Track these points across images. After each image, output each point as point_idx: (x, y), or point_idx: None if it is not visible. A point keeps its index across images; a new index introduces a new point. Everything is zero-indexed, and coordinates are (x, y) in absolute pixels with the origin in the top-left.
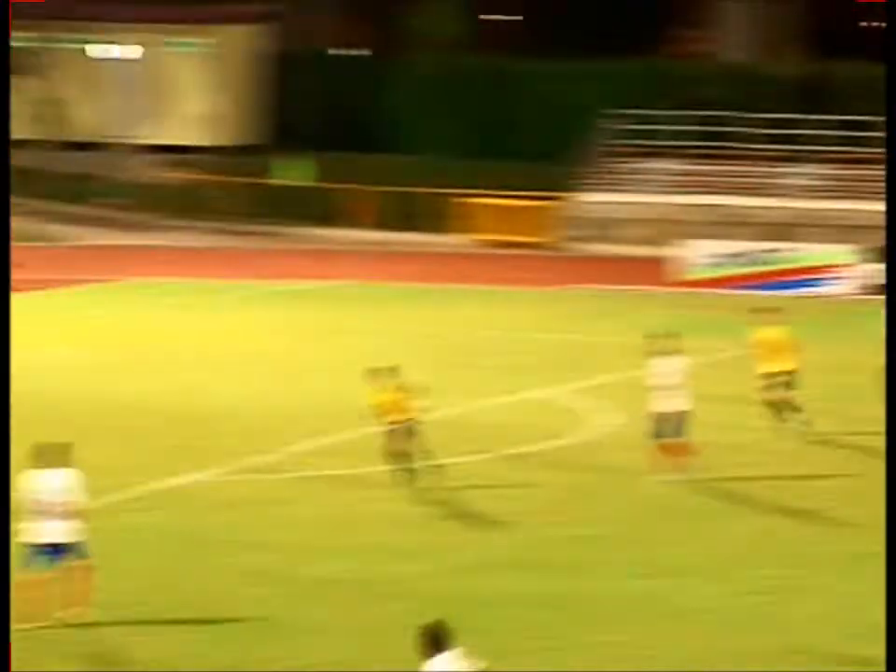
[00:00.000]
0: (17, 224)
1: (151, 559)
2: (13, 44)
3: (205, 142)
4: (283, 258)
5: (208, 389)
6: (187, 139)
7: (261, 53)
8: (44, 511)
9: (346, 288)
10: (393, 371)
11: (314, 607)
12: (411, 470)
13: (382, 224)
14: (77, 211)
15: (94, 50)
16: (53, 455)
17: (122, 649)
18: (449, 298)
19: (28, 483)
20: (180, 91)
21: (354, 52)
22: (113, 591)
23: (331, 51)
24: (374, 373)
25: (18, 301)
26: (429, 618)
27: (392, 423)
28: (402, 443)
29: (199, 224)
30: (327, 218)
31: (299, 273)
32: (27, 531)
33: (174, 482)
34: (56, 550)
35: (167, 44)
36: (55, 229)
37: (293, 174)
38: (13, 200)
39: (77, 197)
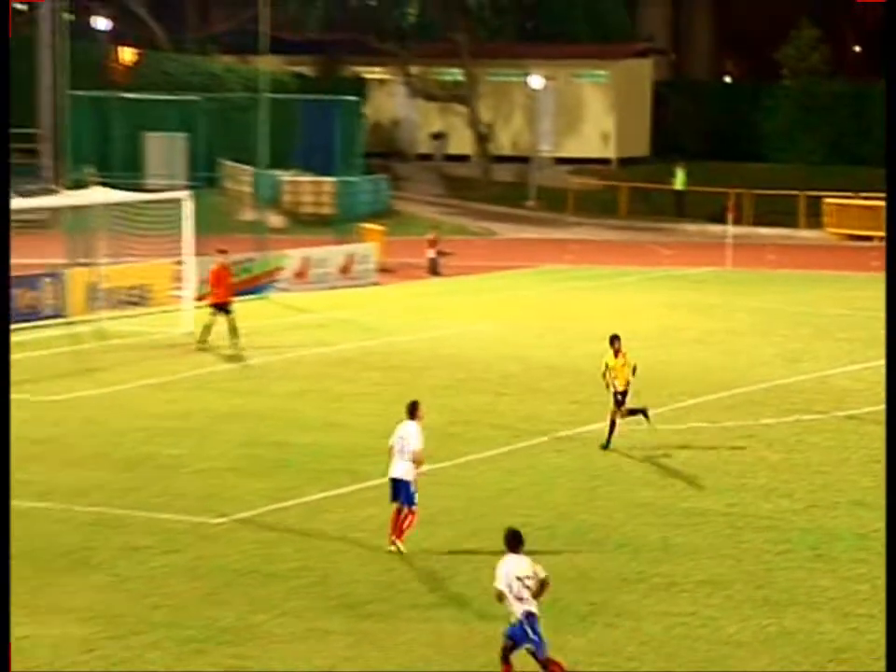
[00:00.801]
0: (455, 221)
1: (560, 493)
2: (453, 78)
3: (603, 154)
4: (666, 248)
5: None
6: (588, 152)
7: (647, 81)
8: (396, 453)
9: (720, 274)
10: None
11: (690, 534)
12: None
13: (749, 220)
14: (504, 211)
15: (525, 81)
16: (413, 410)
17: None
18: (808, 282)
19: (395, 430)
20: (583, 113)
21: (725, 80)
22: (529, 516)
23: (704, 79)
24: (612, 341)
25: (450, 284)
26: (785, 546)
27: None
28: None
29: (599, 221)
30: (702, 216)
31: (679, 261)
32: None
33: (579, 430)
34: (395, 483)
35: (575, 75)
36: (486, 225)
37: (675, 180)
38: (455, 203)
39: (503, 199)
